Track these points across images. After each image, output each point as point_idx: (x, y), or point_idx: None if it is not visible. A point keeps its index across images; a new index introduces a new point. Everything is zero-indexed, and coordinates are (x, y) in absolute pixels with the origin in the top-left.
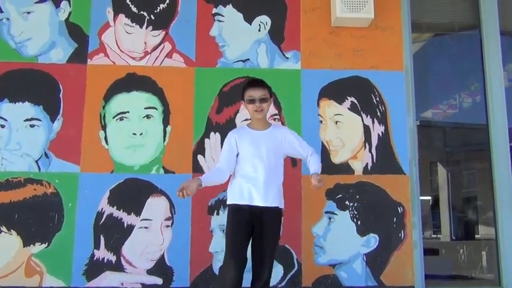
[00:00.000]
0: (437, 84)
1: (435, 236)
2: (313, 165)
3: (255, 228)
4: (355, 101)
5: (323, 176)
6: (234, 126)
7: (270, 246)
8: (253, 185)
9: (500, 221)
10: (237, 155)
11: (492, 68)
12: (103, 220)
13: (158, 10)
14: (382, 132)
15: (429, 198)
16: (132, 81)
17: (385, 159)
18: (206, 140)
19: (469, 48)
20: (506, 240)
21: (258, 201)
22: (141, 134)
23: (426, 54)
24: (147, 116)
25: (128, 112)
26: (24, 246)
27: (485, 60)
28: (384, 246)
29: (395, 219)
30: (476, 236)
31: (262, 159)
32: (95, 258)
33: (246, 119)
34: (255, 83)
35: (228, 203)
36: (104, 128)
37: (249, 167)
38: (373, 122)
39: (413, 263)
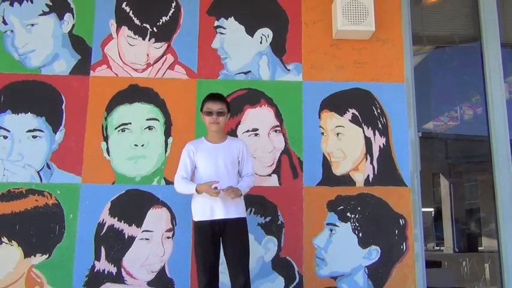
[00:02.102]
0: (438, 96)
1: (438, 248)
2: (242, 183)
3: (222, 240)
4: (357, 113)
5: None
6: (235, 137)
7: (240, 254)
8: (213, 198)
9: (503, 233)
10: (195, 167)
11: (493, 80)
12: (104, 231)
13: (161, 23)
14: (383, 144)
15: (431, 210)
16: (134, 93)
17: (386, 171)
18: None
19: (470, 61)
20: (509, 253)
21: (220, 214)
22: (142, 145)
23: (427, 66)
24: (149, 127)
25: (130, 123)
26: (25, 257)
27: (486, 72)
28: (385, 259)
29: (397, 231)
30: (479, 248)
31: (219, 172)
32: (95, 270)
33: (248, 131)
34: (214, 96)
35: (195, 219)
36: (105, 139)
37: (207, 179)
38: (374, 134)
39: (416, 276)
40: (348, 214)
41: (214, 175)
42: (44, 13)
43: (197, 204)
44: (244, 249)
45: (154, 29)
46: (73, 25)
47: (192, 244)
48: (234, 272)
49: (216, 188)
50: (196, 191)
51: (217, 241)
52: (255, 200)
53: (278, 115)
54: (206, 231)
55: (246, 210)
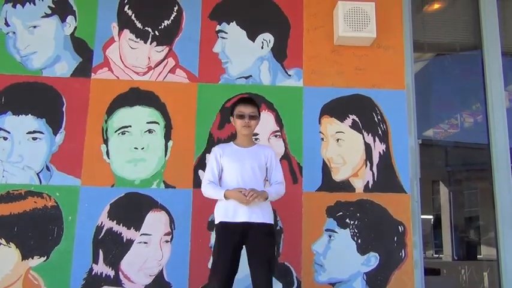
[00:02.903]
0: (438, 104)
1: (437, 255)
2: (271, 187)
3: (245, 245)
4: (357, 119)
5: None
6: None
7: (262, 262)
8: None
9: (502, 242)
10: (222, 170)
11: (494, 88)
12: (102, 234)
13: (162, 26)
14: (383, 150)
15: (431, 217)
16: (135, 96)
17: (386, 177)
18: (207, 155)
19: (470, 68)
20: (508, 261)
21: (243, 217)
22: (142, 148)
23: (428, 73)
24: (149, 131)
25: (130, 126)
26: (22, 260)
27: (487, 80)
28: (384, 266)
29: (396, 238)
30: (478, 256)
31: (246, 175)
32: (93, 273)
33: None
34: (246, 99)
35: (215, 222)
36: (105, 141)
37: (234, 182)
38: (374, 140)
39: (414, 283)
40: (347, 220)
41: (240, 178)
42: (46, 15)
43: (221, 206)
44: (267, 258)
45: (156, 32)
46: (75, 27)
47: (190, 248)
48: (256, 280)
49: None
50: (224, 197)
51: (238, 246)
52: None
53: (278, 120)
54: (226, 233)
55: None
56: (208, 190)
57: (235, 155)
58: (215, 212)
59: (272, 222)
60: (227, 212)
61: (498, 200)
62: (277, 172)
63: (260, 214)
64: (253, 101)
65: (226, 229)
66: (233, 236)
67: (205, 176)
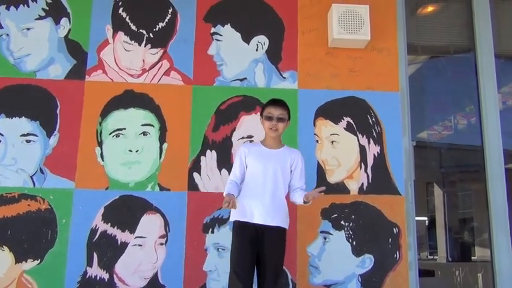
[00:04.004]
0: (432, 106)
1: (431, 257)
2: (301, 195)
3: (258, 246)
4: (351, 121)
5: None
6: (230, 144)
7: (272, 266)
8: (256, 202)
9: (496, 243)
10: (246, 168)
11: (487, 90)
12: (96, 237)
13: (157, 28)
14: (377, 152)
15: (425, 219)
16: (130, 98)
17: (380, 179)
18: (202, 157)
19: (464, 71)
20: (502, 262)
21: (259, 219)
22: (137, 150)
23: (422, 75)
24: (144, 133)
25: (125, 129)
26: (16, 263)
27: (480, 82)
28: (379, 267)
29: (390, 239)
30: (472, 257)
31: (268, 177)
32: (87, 276)
33: (243, 137)
34: (276, 101)
35: (231, 219)
36: (100, 144)
37: (255, 183)
38: (369, 142)
39: (409, 285)
40: (342, 222)
41: (261, 178)
42: (40, 17)
43: (240, 205)
44: (277, 262)
45: (151, 34)
46: (69, 30)
47: (185, 251)
48: (263, 283)
49: (228, 204)
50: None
51: (255, 244)
52: None
53: None
54: (244, 231)
55: None
56: (225, 187)
57: (260, 155)
58: (232, 210)
59: (286, 227)
60: (245, 212)
61: (492, 201)
62: (302, 178)
63: (276, 217)
64: (284, 103)
65: (243, 227)
66: (250, 234)
67: (230, 175)
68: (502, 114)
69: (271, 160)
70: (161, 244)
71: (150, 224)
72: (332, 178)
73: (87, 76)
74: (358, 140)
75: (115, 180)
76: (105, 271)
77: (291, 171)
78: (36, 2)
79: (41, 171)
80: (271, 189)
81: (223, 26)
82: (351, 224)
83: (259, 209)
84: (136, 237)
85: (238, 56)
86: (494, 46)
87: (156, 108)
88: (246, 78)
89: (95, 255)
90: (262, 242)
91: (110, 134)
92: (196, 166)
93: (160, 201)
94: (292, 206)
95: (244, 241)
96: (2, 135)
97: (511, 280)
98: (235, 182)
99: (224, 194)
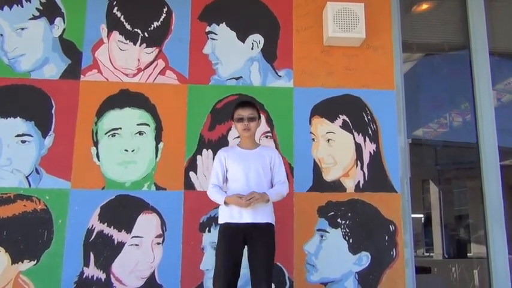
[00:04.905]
0: (428, 103)
1: (427, 254)
2: (272, 189)
3: (248, 245)
4: (347, 119)
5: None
6: (226, 143)
7: (264, 261)
8: None
9: (492, 240)
10: (227, 172)
11: (482, 87)
12: (93, 237)
13: (152, 28)
14: (373, 150)
15: (421, 216)
16: (125, 98)
17: (376, 177)
18: (198, 156)
19: (459, 68)
20: (498, 259)
21: (248, 218)
22: (133, 150)
23: (417, 73)
24: (140, 133)
25: (120, 128)
26: (12, 264)
27: (475, 79)
28: (375, 265)
29: (387, 237)
30: (468, 254)
31: (250, 177)
32: (84, 276)
33: (239, 136)
34: (244, 103)
35: (219, 222)
36: (95, 144)
37: (238, 185)
38: (364, 140)
39: (405, 282)
40: (339, 220)
41: (244, 180)
42: (34, 17)
43: (227, 207)
44: (269, 255)
45: (146, 34)
46: (63, 29)
47: (181, 250)
48: (256, 280)
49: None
50: (225, 203)
51: (241, 246)
52: None
53: (269, 121)
54: (231, 234)
55: None
56: (212, 194)
57: (240, 157)
58: (220, 212)
59: (273, 223)
60: (232, 213)
61: (487, 198)
62: (280, 172)
63: (264, 214)
64: (252, 103)
65: (229, 229)
66: (236, 236)
67: (211, 180)
68: (497, 111)
69: (251, 160)
70: (158, 244)
71: (146, 224)
72: (328, 176)
73: (82, 76)
74: (354, 138)
75: (111, 180)
76: (102, 271)
77: (271, 169)
78: (30, 2)
79: (37, 171)
80: (255, 188)
81: (219, 25)
82: (347, 222)
83: (248, 209)
84: (133, 237)
85: (233, 55)
86: (488, 43)
87: (151, 108)
88: (241, 77)
89: (92, 255)
90: (252, 239)
91: (105, 133)
92: (192, 165)
93: (156, 201)
94: (289, 204)
95: (230, 243)
96: None
97: (506, 276)
98: (219, 186)
99: (223, 201)
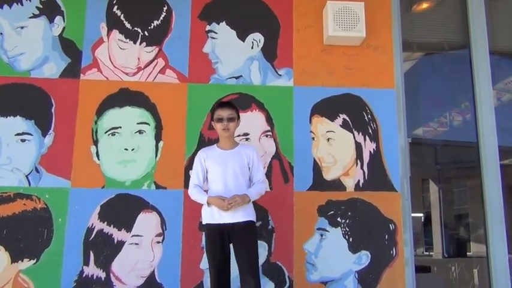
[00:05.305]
0: (428, 103)
1: (427, 253)
2: (251, 189)
3: (232, 244)
4: (347, 118)
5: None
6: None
7: (249, 258)
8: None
9: (491, 239)
10: (207, 173)
11: (482, 86)
12: (93, 236)
13: (152, 26)
14: (373, 149)
15: (421, 215)
16: (125, 97)
17: (376, 176)
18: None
19: (459, 67)
20: (497, 258)
21: (227, 219)
22: (133, 149)
23: (417, 72)
24: (140, 132)
25: (120, 127)
26: (12, 263)
27: (475, 79)
28: (375, 264)
29: (386, 236)
30: (468, 253)
31: (229, 177)
32: (84, 275)
33: (238, 135)
34: (224, 103)
35: (202, 223)
36: (95, 143)
37: (217, 185)
38: (364, 139)
39: (405, 281)
40: (338, 219)
41: (223, 181)
42: (34, 16)
43: (206, 207)
44: (252, 251)
45: (146, 32)
46: (63, 28)
47: (181, 249)
48: (244, 274)
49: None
50: (207, 203)
51: (227, 246)
52: None
53: (269, 120)
54: (215, 234)
55: None
56: (194, 194)
57: (219, 158)
58: (202, 213)
59: (254, 220)
60: (213, 214)
61: (487, 197)
62: (258, 171)
63: (243, 213)
64: (231, 104)
65: (212, 230)
66: (219, 236)
67: (191, 180)
68: (497, 111)
69: (229, 160)
70: (158, 242)
71: (146, 223)
72: (328, 175)
73: (82, 75)
74: (354, 137)
75: (111, 178)
76: (101, 270)
77: (249, 168)
78: (30, 1)
79: (37, 170)
80: (234, 187)
81: (219, 24)
82: (347, 221)
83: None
84: (132, 236)
85: (233, 54)
86: (489, 42)
87: (151, 107)
88: (241, 76)
89: (92, 254)
90: (235, 237)
91: (105, 132)
92: (192, 164)
93: (156, 200)
94: (289, 204)
95: (215, 243)
96: None
97: (506, 275)
98: (200, 186)
99: (206, 201)
